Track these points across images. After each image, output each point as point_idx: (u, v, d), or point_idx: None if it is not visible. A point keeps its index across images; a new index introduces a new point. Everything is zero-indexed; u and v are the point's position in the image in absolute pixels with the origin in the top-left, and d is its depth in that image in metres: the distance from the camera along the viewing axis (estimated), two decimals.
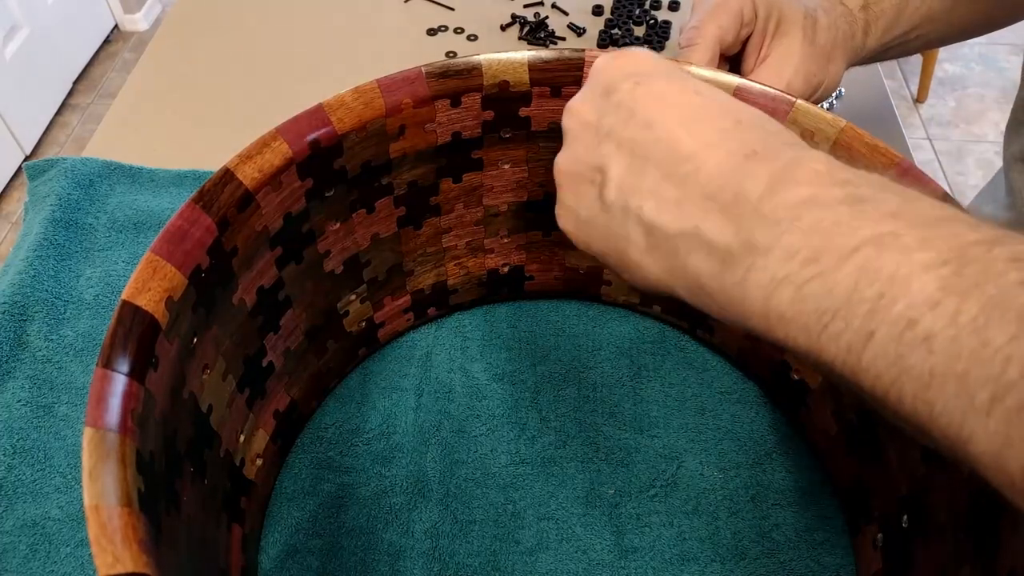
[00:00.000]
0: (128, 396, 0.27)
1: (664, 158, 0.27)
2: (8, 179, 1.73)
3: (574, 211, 0.31)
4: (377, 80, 0.38)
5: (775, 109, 0.37)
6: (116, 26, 2.13)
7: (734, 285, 0.24)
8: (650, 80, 0.29)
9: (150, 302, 0.29)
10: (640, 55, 0.31)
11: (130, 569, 0.23)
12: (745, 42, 0.47)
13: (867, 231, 0.22)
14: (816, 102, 0.48)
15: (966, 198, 1.72)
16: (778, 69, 0.45)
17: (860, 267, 0.21)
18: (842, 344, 0.22)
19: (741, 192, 0.24)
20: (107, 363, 0.27)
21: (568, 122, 0.31)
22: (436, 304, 0.49)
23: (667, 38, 0.69)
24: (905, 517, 0.36)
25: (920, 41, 0.52)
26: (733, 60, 0.49)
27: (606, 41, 0.69)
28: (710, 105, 0.28)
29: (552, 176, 0.44)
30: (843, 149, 0.36)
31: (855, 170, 0.24)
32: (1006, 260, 0.20)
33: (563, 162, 0.31)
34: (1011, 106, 0.60)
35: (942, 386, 0.20)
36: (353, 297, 0.44)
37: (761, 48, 0.47)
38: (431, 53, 0.68)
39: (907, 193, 0.23)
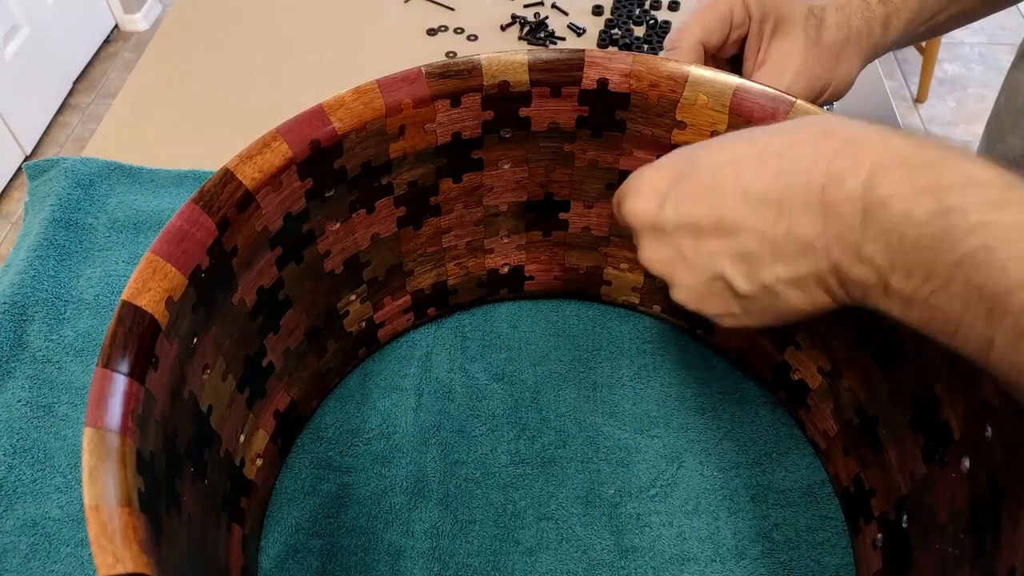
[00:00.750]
0: (128, 396, 0.27)
1: (757, 234, 0.30)
2: (8, 179, 1.73)
3: (727, 314, 0.33)
4: (377, 80, 0.38)
5: (775, 109, 0.37)
6: (116, 26, 2.13)
7: (881, 299, 0.27)
8: (679, 192, 0.32)
9: (150, 302, 0.29)
10: (643, 180, 0.33)
11: (130, 569, 0.23)
12: (744, 45, 0.47)
13: (962, 247, 0.24)
14: (825, 103, 0.47)
15: None
16: (778, 72, 0.45)
17: (966, 283, 0.24)
18: (972, 345, 0.25)
19: (843, 222, 0.27)
20: (107, 363, 0.27)
21: (657, 270, 0.34)
22: (436, 304, 0.49)
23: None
24: (905, 517, 0.36)
25: (951, 21, 0.50)
26: (734, 64, 0.48)
27: (606, 41, 0.69)
28: (742, 167, 0.30)
29: (553, 177, 0.45)
30: None
31: (928, 157, 0.26)
32: None
33: (682, 295, 0.34)
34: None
35: None
36: (353, 297, 0.44)
37: (759, 51, 0.46)
38: (431, 53, 0.68)
39: (990, 186, 0.24)
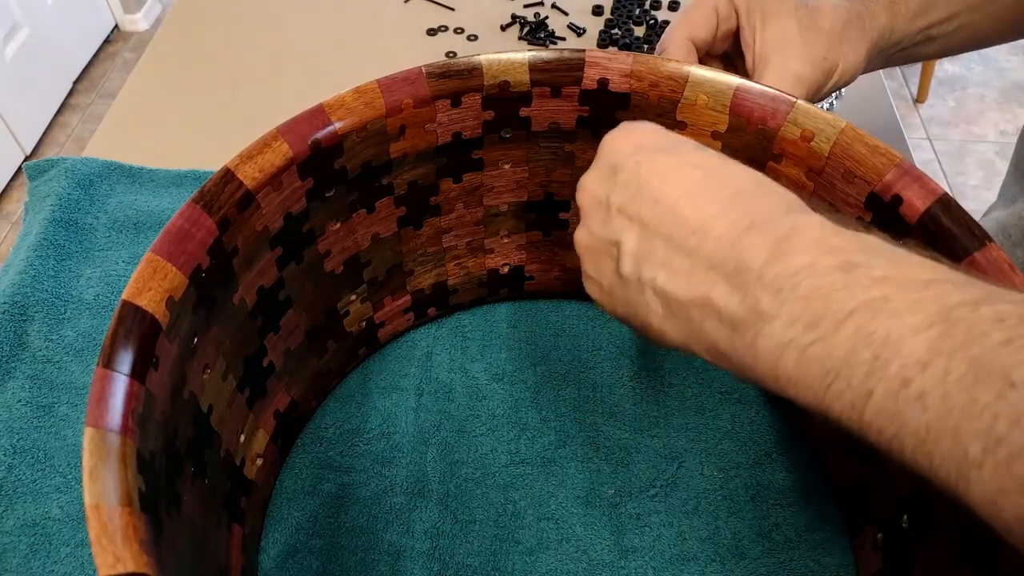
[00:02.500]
0: (129, 396, 0.27)
1: (671, 231, 0.29)
2: (8, 179, 1.73)
3: (597, 281, 0.33)
4: (377, 80, 0.38)
5: (775, 109, 0.37)
6: (116, 26, 2.13)
7: (744, 349, 0.26)
8: (652, 156, 0.31)
9: (151, 302, 0.29)
10: (644, 129, 0.33)
11: (131, 569, 0.23)
12: (736, 40, 0.47)
13: (860, 296, 0.23)
14: (836, 87, 0.46)
15: (966, 198, 1.72)
16: (781, 63, 0.44)
17: (855, 331, 0.23)
18: (845, 402, 0.23)
19: (743, 262, 0.26)
20: (108, 363, 0.27)
21: (581, 198, 0.33)
22: (436, 304, 0.49)
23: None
24: (905, 517, 0.36)
25: (962, 34, 0.49)
26: (728, 60, 0.48)
27: (606, 41, 0.69)
28: (708, 177, 0.29)
29: (553, 177, 0.45)
30: (843, 149, 0.36)
31: (850, 233, 0.26)
32: (990, 321, 0.21)
33: (581, 237, 0.33)
34: (1012, 106, 0.59)
35: (937, 440, 0.21)
36: (353, 297, 0.44)
37: (755, 43, 0.45)
38: (431, 53, 0.68)
39: (897, 255, 0.25)
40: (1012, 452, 0.19)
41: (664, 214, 0.29)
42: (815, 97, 0.46)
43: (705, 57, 0.47)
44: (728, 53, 0.48)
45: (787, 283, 0.25)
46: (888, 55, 0.49)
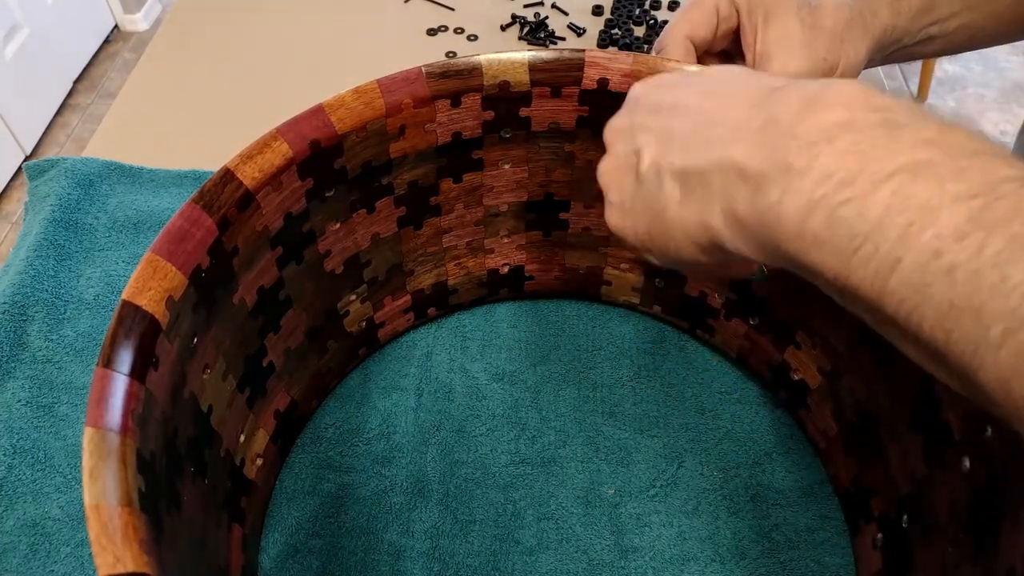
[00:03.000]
0: (129, 396, 0.27)
1: (694, 120, 0.28)
2: (8, 179, 1.73)
3: (618, 203, 0.31)
4: (377, 80, 0.38)
5: None
6: (116, 26, 2.13)
7: (769, 208, 0.24)
8: (675, 80, 0.31)
9: (150, 302, 0.29)
10: (670, 73, 0.33)
11: (131, 569, 0.23)
12: (735, 38, 0.47)
13: (903, 157, 0.22)
14: None
15: None
16: (782, 63, 0.44)
17: (893, 192, 0.22)
18: (870, 268, 0.22)
19: (771, 117, 0.25)
20: (107, 363, 0.27)
21: (607, 136, 0.33)
22: (436, 304, 0.49)
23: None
24: (905, 517, 0.36)
25: (963, 34, 0.48)
26: (727, 59, 0.48)
27: (606, 41, 0.69)
28: (730, 78, 0.29)
29: (553, 177, 0.45)
30: None
31: (891, 96, 0.24)
32: None
33: (604, 165, 0.32)
34: (1012, 106, 0.59)
35: (960, 317, 0.20)
36: (353, 297, 0.44)
37: (756, 42, 0.45)
38: (431, 53, 0.68)
39: (944, 123, 0.23)
40: None
41: (684, 113, 0.28)
42: None
43: (704, 55, 0.47)
44: (728, 51, 0.48)
45: (822, 136, 0.23)
46: (889, 53, 0.49)
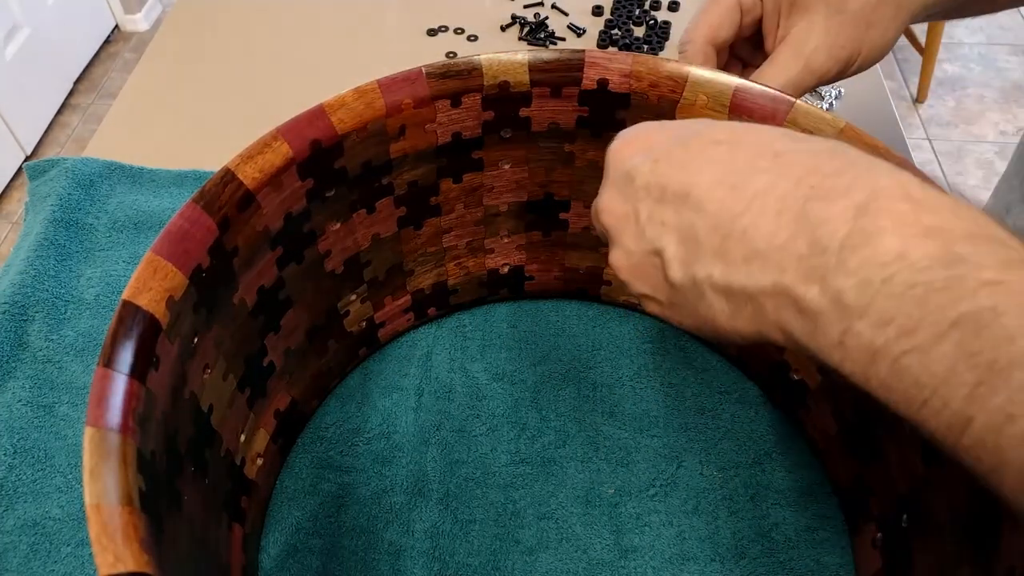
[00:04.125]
0: (129, 396, 0.27)
1: (715, 220, 0.26)
2: (9, 179, 1.73)
3: (653, 298, 0.30)
4: (377, 80, 0.38)
5: (774, 110, 0.37)
6: (116, 26, 2.13)
7: (831, 347, 0.23)
8: (666, 152, 0.28)
9: (151, 302, 0.29)
10: (645, 129, 0.30)
11: (131, 568, 0.23)
12: (760, 23, 0.46)
13: (965, 305, 0.20)
14: (859, 71, 0.44)
15: (965, 198, 1.72)
16: (795, 47, 0.42)
17: (957, 346, 0.20)
18: (942, 421, 0.21)
19: (816, 241, 0.23)
20: (108, 363, 0.27)
21: (604, 221, 0.30)
22: (436, 304, 0.49)
23: (667, 39, 0.69)
24: (904, 516, 0.36)
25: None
26: (756, 43, 0.47)
27: (606, 42, 0.69)
28: (736, 150, 0.27)
29: (553, 177, 0.45)
30: None
31: (946, 203, 0.22)
32: None
33: (617, 259, 0.30)
34: (1012, 107, 0.58)
35: None
36: (353, 297, 0.44)
37: (778, 27, 0.44)
38: (431, 53, 0.68)
39: (1009, 249, 0.21)
40: None
41: (701, 205, 0.26)
42: (826, 82, 0.44)
43: (725, 52, 0.45)
44: (755, 36, 0.47)
45: (876, 275, 0.21)
46: (935, 14, 0.46)
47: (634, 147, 0.30)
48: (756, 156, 0.26)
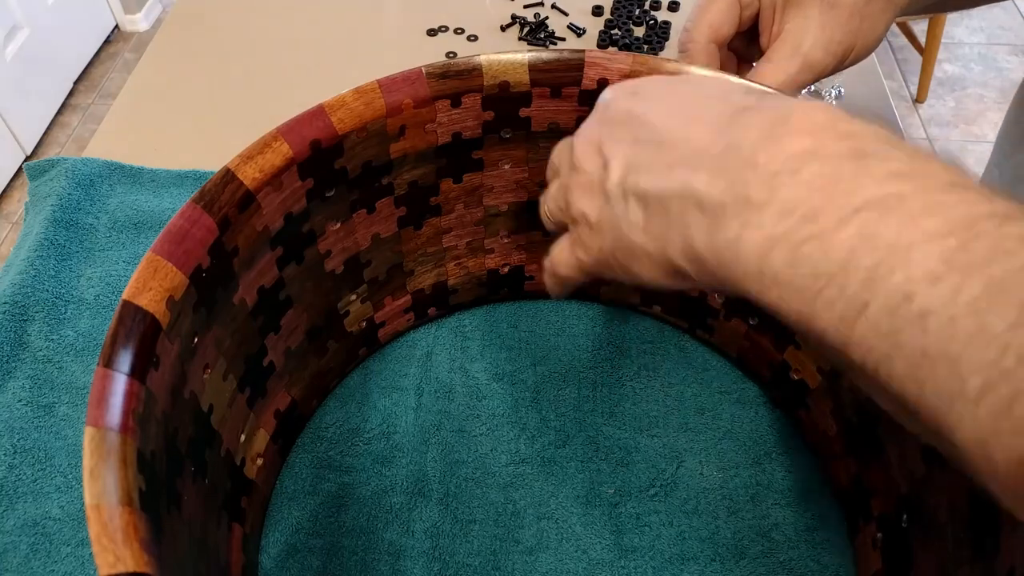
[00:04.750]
0: (129, 396, 0.27)
1: (657, 136, 0.26)
2: (9, 179, 1.73)
3: (587, 217, 0.30)
4: (378, 80, 0.38)
5: None
6: (116, 26, 2.13)
7: (727, 244, 0.23)
8: (644, 86, 0.29)
9: (151, 302, 0.29)
10: (639, 78, 0.32)
11: (131, 568, 0.23)
12: (757, 18, 0.46)
13: (871, 191, 0.20)
14: (852, 64, 0.45)
15: None
16: (793, 44, 0.43)
17: (860, 230, 0.20)
18: (835, 312, 0.20)
19: (732, 143, 0.23)
20: (108, 363, 0.27)
21: (576, 144, 0.31)
22: (436, 304, 0.49)
23: (667, 38, 0.69)
24: (905, 517, 0.36)
25: None
26: (751, 36, 0.47)
27: (606, 42, 0.69)
28: (701, 87, 0.28)
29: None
30: None
31: (860, 122, 0.22)
32: (1017, 239, 0.18)
33: (573, 178, 0.31)
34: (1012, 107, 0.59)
35: (933, 367, 0.18)
36: (354, 297, 0.44)
37: (773, 22, 0.44)
38: (431, 53, 0.68)
39: (917, 152, 0.21)
40: (1017, 389, 0.17)
41: (653, 126, 0.27)
42: (823, 76, 0.45)
43: (724, 48, 0.46)
44: (751, 30, 0.47)
45: (784, 167, 0.22)
46: (919, 8, 0.47)
47: (621, 85, 0.31)
48: (717, 92, 0.27)
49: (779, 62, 0.42)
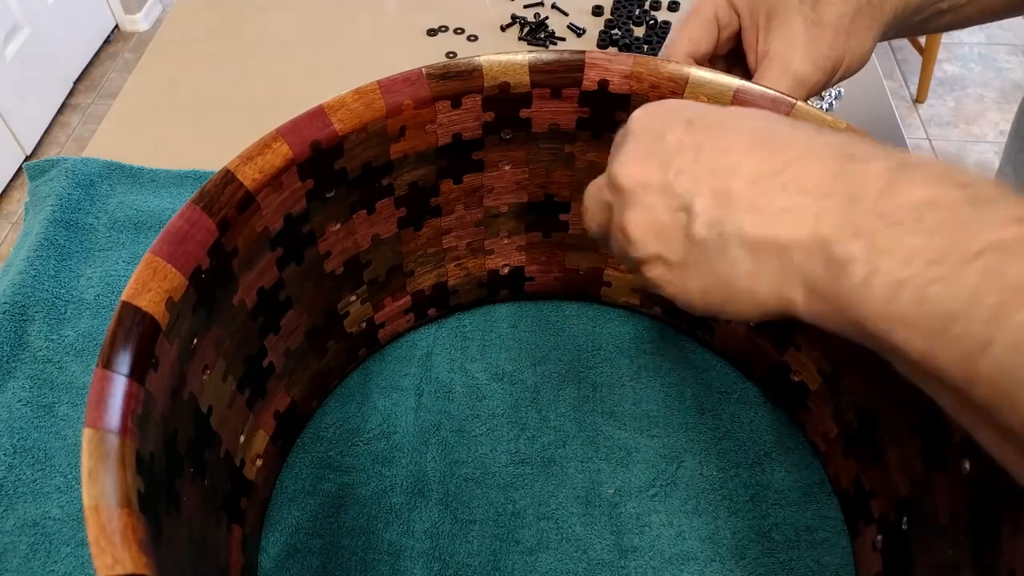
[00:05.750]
0: (128, 397, 0.27)
1: (752, 177, 0.26)
2: (9, 179, 1.73)
3: (664, 258, 0.29)
4: (378, 81, 0.38)
5: (775, 111, 0.37)
6: (116, 26, 2.13)
7: (852, 289, 0.23)
8: (701, 115, 0.29)
9: (150, 303, 0.29)
10: (673, 100, 0.31)
11: (130, 570, 0.23)
12: (738, 40, 0.46)
13: (992, 235, 0.21)
14: (841, 80, 0.45)
15: None
16: (782, 63, 0.43)
17: (983, 271, 0.21)
18: (959, 349, 0.21)
19: (855, 193, 0.24)
20: (107, 364, 0.27)
21: (624, 179, 0.29)
22: (436, 305, 0.49)
23: (666, 39, 0.69)
24: (905, 518, 0.36)
25: (974, 7, 0.47)
26: (732, 60, 0.48)
27: (606, 42, 0.69)
28: (773, 125, 0.27)
29: (553, 178, 0.45)
30: None
31: (973, 173, 0.24)
32: None
33: (636, 216, 0.29)
34: (1012, 107, 0.59)
35: None
36: (353, 298, 0.44)
37: (757, 43, 0.44)
38: (431, 54, 0.68)
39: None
40: None
41: (738, 163, 0.26)
42: (816, 93, 0.45)
43: (706, 64, 0.46)
44: (732, 53, 0.48)
45: (908, 216, 0.22)
46: (898, 29, 0.48)
47: (664, 109, 0.30)
48: (792, 129, 0.27)
49: (770, 81, 0.43)
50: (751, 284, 0.26)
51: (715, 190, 0.27)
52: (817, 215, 0.24)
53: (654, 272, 0.30)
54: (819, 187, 0.25)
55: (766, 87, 0.38)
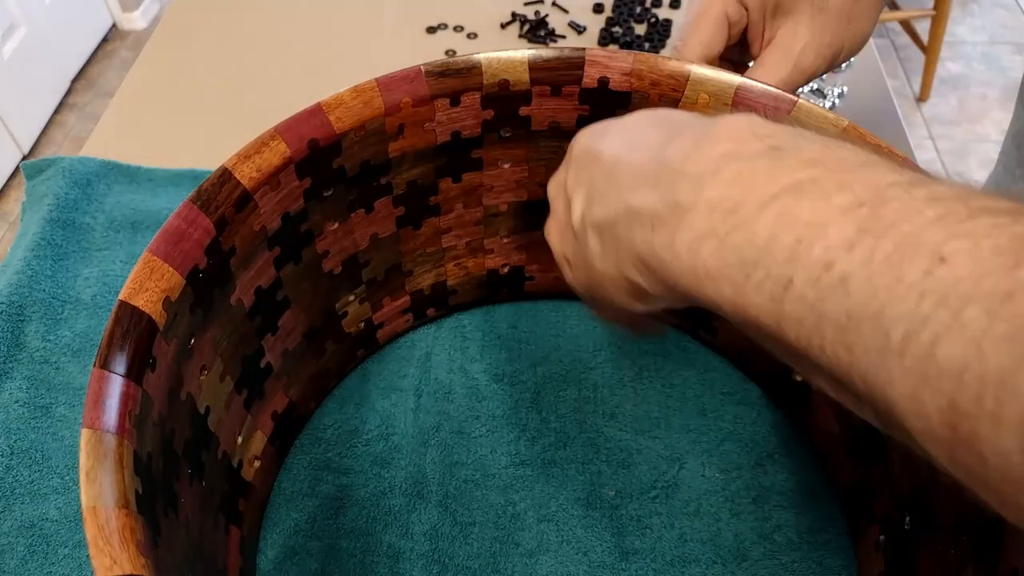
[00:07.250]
0: (125, 397, 0.27)
1: (607, 173, 0.28)
2: (6, 179, 1.73)
3: (569, 260, 0.32)
4: (376, 79, 0.37)
5: (776, 109, 0.37)
6: (114, 25, 2.12)
7: (664, 249, 0.24)
8: (612, 125, 0.31)
9: (148, 302, 0.29)
10: (607, 121, 0.33)
11: (127, 571, 0.23)
12: (743, 33, 0.46)
13: (786, 179, 0.22)
14: (839, 64, 0.46)
15: None
16: (784, 49, 0.43)
17: (778, 214, 0.21)
18: (764, 294, 0.21)
19: (665, 160, 0.25)
20: (104, 364, 0.27)
21: (548, 191, 0.34)
22: (435, 304, 0.49)
23: (668, 36, 0.69)
24: (907, 519, 0.35)
25: None
26: (740, 45, 0.47)
27: (607, 39, 0.69)
28: (648, 121, 0.29)
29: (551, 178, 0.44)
30: None
31: (779, 124, 0.24)
32: (924, 199, 0.19)
33: (550, 224, 0.34)
34: (1015, 106, 0.59)
35: (859, 327, 0.19)
36: (352, 297, 0.44)
37: (764, 31, 0.45)
38: (430, 51, 0.68)
39: (829, 141, 0.23)
40: (937, 334, 0.17)
41: (602, 162, 0.29)
42: (814, 79, 0.46)
43: (716, 60, 0.46)
44: (740, 43, 0.48)
45: (706, 169, 0.23)
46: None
47: (589, 130, 0.32)
48: (661, 123, 0.28)
49: (771, 65, 0.43)
50: (604, 267, 0.28)
51: (587, 188, 0.29)
52: (632, 187, 0.26)
53: (566, 272, 0.32)
54: (640, 163, 0.26)
55: (766, 75, 0.38)
